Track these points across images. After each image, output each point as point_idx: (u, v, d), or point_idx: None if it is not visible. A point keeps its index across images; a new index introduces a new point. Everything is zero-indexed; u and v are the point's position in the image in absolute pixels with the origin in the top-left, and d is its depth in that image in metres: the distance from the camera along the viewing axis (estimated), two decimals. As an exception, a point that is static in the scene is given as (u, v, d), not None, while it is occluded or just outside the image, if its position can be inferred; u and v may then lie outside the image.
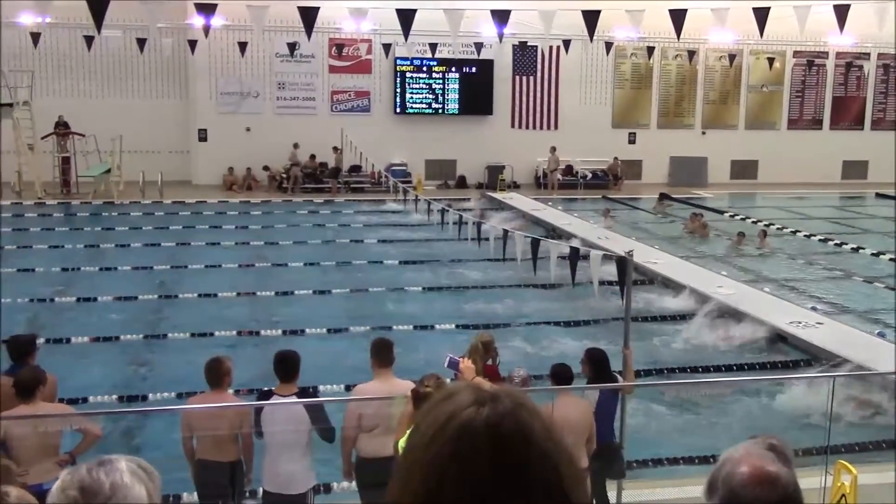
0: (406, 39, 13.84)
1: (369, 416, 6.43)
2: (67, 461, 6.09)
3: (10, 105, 24.98)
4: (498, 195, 26.89)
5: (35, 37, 23.07)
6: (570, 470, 1.16)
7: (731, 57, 30.37)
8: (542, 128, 30.59)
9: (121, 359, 11.63)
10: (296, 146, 27.68)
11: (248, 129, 28.45)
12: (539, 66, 30.20)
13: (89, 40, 22.47)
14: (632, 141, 31.44)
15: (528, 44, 27.98)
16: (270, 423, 6.06)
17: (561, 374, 6.79)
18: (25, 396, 5.88)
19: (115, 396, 9.94)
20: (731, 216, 24.14)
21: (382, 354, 6.63)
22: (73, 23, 22.18)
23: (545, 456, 1.13)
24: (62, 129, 26.29)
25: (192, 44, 24.67)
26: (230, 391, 6.61)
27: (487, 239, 15.90)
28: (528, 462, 1.11)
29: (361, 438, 6.42)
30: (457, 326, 12.86)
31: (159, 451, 8.26)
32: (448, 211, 18.73)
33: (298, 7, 12.60)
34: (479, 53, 26.91)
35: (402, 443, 4.99)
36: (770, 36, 22.59)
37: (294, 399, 6.16)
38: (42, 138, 26.06)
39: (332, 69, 29.18)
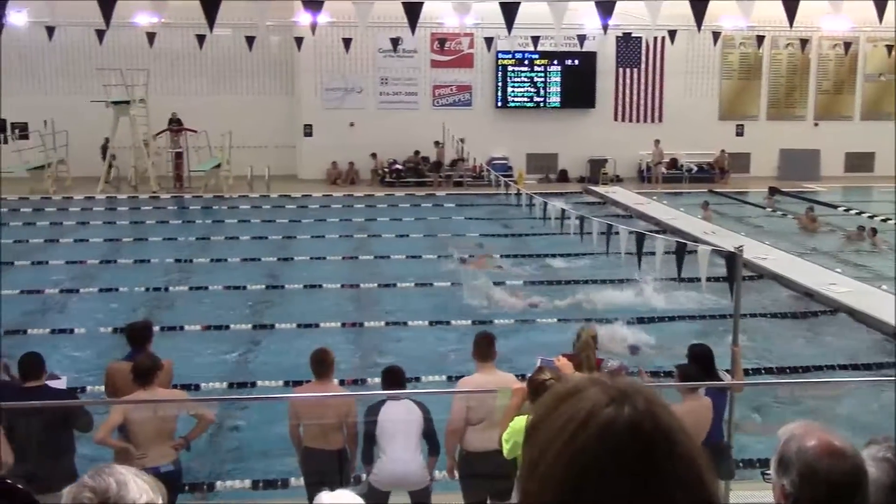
0: (509, 33, 13.72)
1: (476, 409, 6.43)
2: (182, 445, 6.31)
3: (127, 103, 26.06)
4: (600, 189, 26.57)
5: (150, 36, 23.93)
6: (707, 466, 1.13)
7: (847, 45, 29.11)
8: (645, 120, 30.06)
9: (230, 347, 11.97)
10: (374, 156, 28.03)
11: (351, 124, 28.89)
12: (643, 58, 29.67)
13: (201, 39, 23.18)
14: (739, 133, 30.58)
15: (633, 35, 27.51)
16: (387, 422, 6.11)
17: (699, 356, 6.70)
18: (143, 382, 6.11)
19: (225, 383, 10.26)
20: (846, 210, 23.20)
21: (485, 349, 6.62)
22: (185, 22, 22.88)
23: (685, 453, 1.10)
24: (175, 125, 27.29)
25: (299, 41, 25.15)
26: (335, 381, 6.73)
27: (590, 233, 15.69)
28: (670, 460, 1.09)
29: (469, 432, 6.42)
30: (558, 321, 12.75)
31: (263, 438, 8.54)
32: (549, 205, 18.58)
33: (403, 3, 12.71)
34: (581, 46, 26.59)
35: (505, 436, 4.96)
36: (889, 23, 21.58)
37: (404, 398, 6.21)
38: (156, 135, 27.15)
39: (434, 64, 29.35)
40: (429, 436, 6.34)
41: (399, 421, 6.10)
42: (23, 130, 27.14)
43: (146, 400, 6.02)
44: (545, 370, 4.82)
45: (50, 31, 22.35)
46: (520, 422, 4.71)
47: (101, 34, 21.45)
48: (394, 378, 6.52)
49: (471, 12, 22.07)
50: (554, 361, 5.73)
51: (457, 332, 12.10)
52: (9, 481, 1.37)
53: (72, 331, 12.41)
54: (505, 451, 4.96)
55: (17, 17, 21.65)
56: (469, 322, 12.72)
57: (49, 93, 27.44)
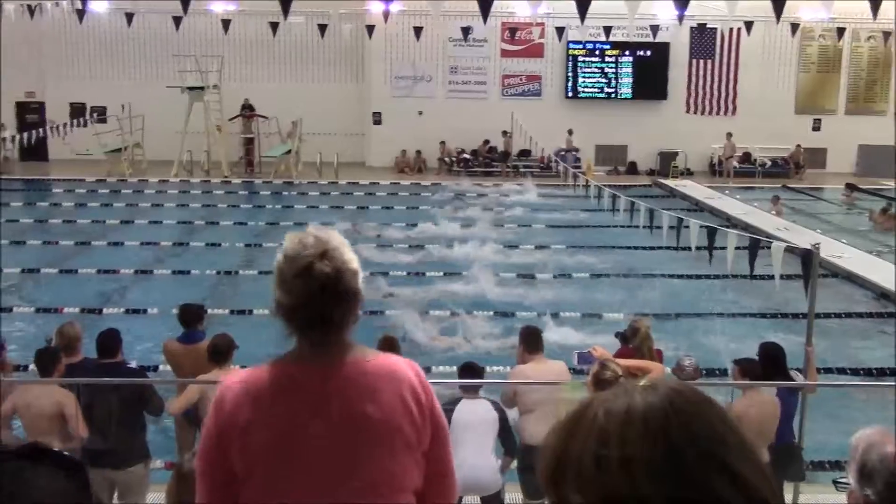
0: (582, 23, 13.58)
1: (526, 396, 6.41)
2: None
3: (202, 88, 26.54)
4: (670, 182, 26.18)
5: (225, 24, 24.33)
6: (758, 467, 1.11)
7: (933, 38, 28.14)
8: (718, 113, 29.52)
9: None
10: (442, 144, 28.23)
11: (420, 113, 28.96)
12: (718, 49, 29.10)
13: (274, 26, 23.49)
14: (816, 128, 29.82)
15: (708, 26, 26.99)
16: (462, 422, 6.07)
17: (770, 355, 6.58)
18: (219, 361, 6.24)
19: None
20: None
21: (533, 343, 6.61)
22: (260, 10, 23.21)
23: (733, 455, 1.08)
24: (247, 111, 27.72)
25: (370, 29, 25.31)
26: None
27: (660, 226, 15.49)
28: (715, 459, 1.07)
29: (527, 423, 6.38)
30: (625, 315, 12.59)
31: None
32: (619, 197, 18.38)
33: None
34: (654, 36, 26.19)
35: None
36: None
37: (480, 397, 6.18)
38: (229, 120, 27.61)
39: (504, 53, 29.25)
40: (505, 436, 6.28)
41: (475, 422, 6.04)
42: (101, 114, 27.85)
43: (218, 381, 6.13)
44: (609, 366, 4.75)
45: (129, 17, 22.92)
46: None
47: (177, 21, 21.90)
48: (472, 375, 6.45)
49: (543, 2, 21.94)
50: (591, 353, 5.67)
51: (521, 324, 12.03)
52: (64, 452, 1.42)
53: (145, 311, 12.69)
54: None
55: (98, 4, 22.22)
56: (534, 313, 12.69)
57: (127, 78, 28.11)
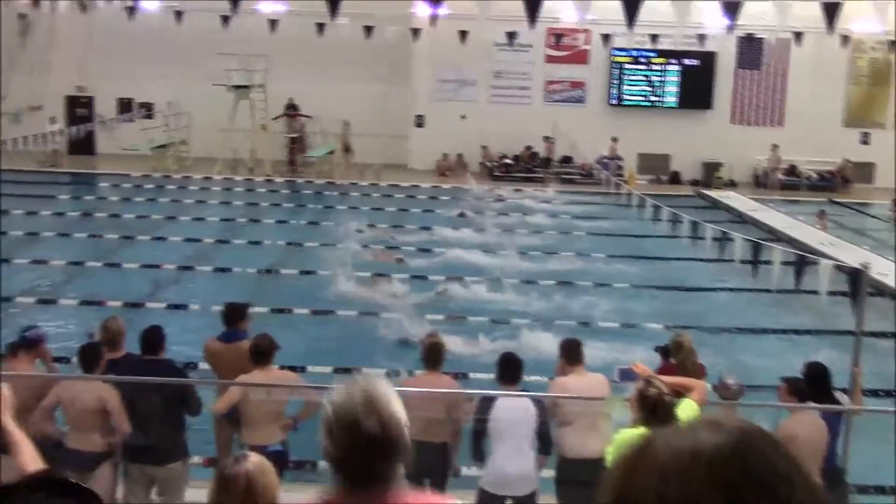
0: (630, 29, 13.49)
1: (565, 405, 6.35)
2: (291, 426, 6.44)
3: (247, 87, 26.81)
4: (713, 193, 25.89)
5: (272, 23, 24.52)
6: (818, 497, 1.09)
7: None
8: (764, 124, 29.13)
9: (337, 331, 12.13)
10: (484, 149, 28.18)
11: (462, 117, 28.95)
12: (766, 60, 28.73)
13: (320, 27, 23.63)
14: (864, 141, 29.30)
15: (756, 36, 26.68)
16: (500, 420, 6.05)
17: (815, 375, 6.46)
18: (261, 362, 6.28)
19: (330, 368, 10.43)
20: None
21: (573, 355, 6.54)
22: (307, 10, 23.35)
23: (797, 495, 1.07)
24: (292, 111, 27.92)
25: (415, 32, 25.36)
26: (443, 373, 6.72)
27: (703, 238, 15.36)
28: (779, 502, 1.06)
29: (565, 434, 6.33)
30: (666, 327, 12.46)
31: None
32: (661, 207, 18.25)
33: (524, -3, 12.70)
34: (701, 45, 25.93)
35: (611, 449, 4.84)
36: None
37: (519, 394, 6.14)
38: (273, 119, 27.83)
39: (549, 59, 29.14)
40: (542, 434, 6.23)
41: (513, 419, 6.01)
42: (148, 110, 28.22)
43: (261, 383, 6.17)
44: (654, 383, 4.67)
45: (178, 15, 23.21)
46: (626, 435, 4.60)
47: (225, 20, 22.14)
48: (511, 367, 6.39)
49: (590, 7, 21.84)
50: (632, 369, 5.60)
51: (560, 333, 11.95)
52: (73, 481, 1.42)
53: (186, 307, 12.82)
54: (609, 464, 4.85)
55: (149, 2, 22.51)
56: (574, 322, 12.63)
57: (174, 75, 28.41)
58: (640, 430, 4.47)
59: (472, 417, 6.20)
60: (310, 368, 10.07)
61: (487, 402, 6.20)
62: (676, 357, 6.75)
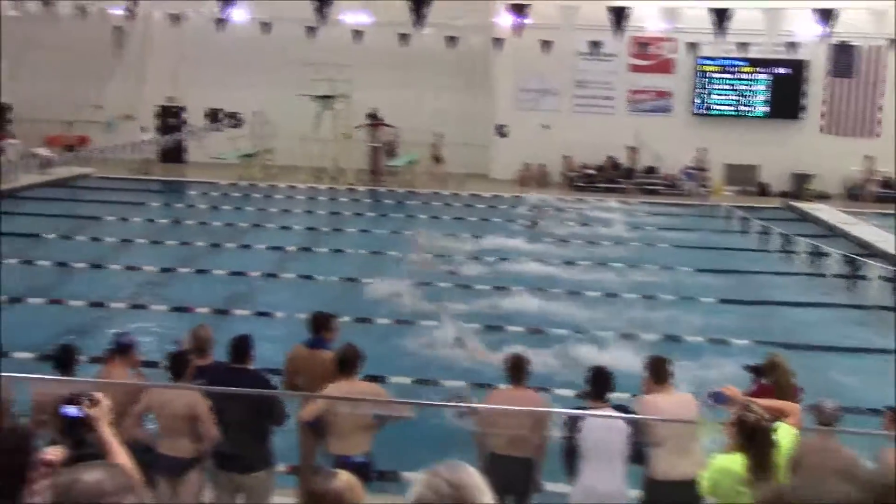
0: (723, 36, 13.23)
1: (654, 426, 6.16)
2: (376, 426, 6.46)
3: (331, 97, 27.20)
4: (803, 205, 25.15)
5: (357, 34, 24.84)
6: None
7: None
8: (857, 134, 28.17)
9: (421, 342, 12.11)
10: (566, 159, 28.05)
11: (545, 127, 28.81)
12: (860, 68, 27.80)
13: (403, 37, 23.83)
14: (964, 152, 28.07)
15: (850, 43, 25.86)
16: (591, 438, 5.92)
17: None
18: (347, 372, 6.31)
19: (413, 379, 10.43)
20: None
21: (661, 374, 6.33)
22: (391, 21, 23.58)
23: None
24: (374, 120, 28.21)
25: (498, 42, 25.35)
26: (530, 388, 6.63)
27: (793, 251, 14.92)
28: None
29: (655, 457, 6.15)
30: (756, 343, 12.10)
31: (449, 434, 8.61)
32: (749, 219, 17.80)
33: (609, 7, 12.52)
34: (791, 54, 25.27)
35: (706, 473, 4.69)
36: None
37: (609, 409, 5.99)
38: (355, 128, 28.16)
39: (633, 68, 28.80)
40: (636, 448, 6.06)
41: (604, 437, 5.87)
42: (236, 120, 28.84)
43: (347, 397, 6.19)
44: (753, 409, 4.49)
45: (265, 26, 23.68)
46: (723, 461, 4.44)
47: (311, 31, 22.50)
48: (601, 382, 6.24)
49: (677, 13, 21.51)
50: (724, 392, 5.39)
51: (643, 348, 11.74)
52: None
53: (271, 314, 13.00)
54: (703, 488, 4.71)
55: (238, 13, 23.01)
56: (658, 336, 12.39)
57: (261, 85, 29.00)
58: (737, 456, 4.33)
59: (564, 434, 6.08)
60: (393, 379, 10.08)
61: (576, 418, 6.06)
62: (770, 377, 6.51)
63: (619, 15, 12.16)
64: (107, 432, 3.38)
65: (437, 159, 27.51)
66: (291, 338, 11.39)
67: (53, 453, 3.05)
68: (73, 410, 3.37)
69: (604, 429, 5.93)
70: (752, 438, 4.28)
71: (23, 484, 2.83)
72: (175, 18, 24.26)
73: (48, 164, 22.15)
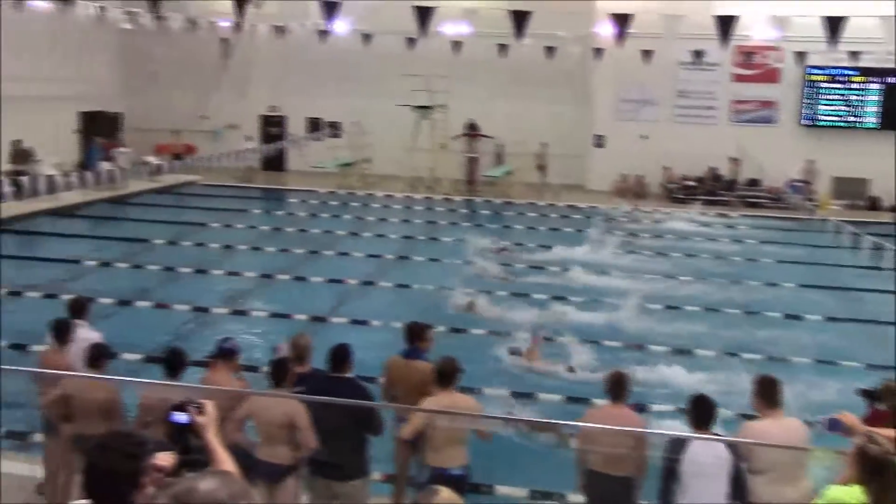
0: (835, 46, 12.76)
1: (759, 452, 5.90)
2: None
3: (430, 108, 27.39)
4: (914, 221, 24.03)
5: (456, 45, 24.95)
6: None
7: None
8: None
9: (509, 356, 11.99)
10: (665, 170, 27.61)
11: (643, 137, 28.38)
12: (981, 77, 26.47)
13: (502, 48, 23.81)
14: None
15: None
16: (694, 462, 5.72)
17: None
18: (445, 384, 6.29)
19: (508, 390, 10.34)
20: None
21: (771, 396, 6.04)
22: (490, 32, 23.61)
23: None
24: (471, 130, 28.28)
25: (598, 52, 25.08)
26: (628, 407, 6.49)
27: (907, 270, 14.23)
28: None
29: (757, 484, 5.89)
30: (867, 366, 11.56)
31: (544, 450, 8.51)
32: (860, 235, 17.09)
33: (715, 16, 12.20)
34: (907, 62, 24.26)
35: (820, 501, 4.46)
36: None
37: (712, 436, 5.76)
38: (452, 139, 28.29)
39: (736, 77, 28.10)
40: (736, 481, 5.79)
41: (706, 464, 5.66)
42: (336, 129, 29.34)
43: (445, 410, 6.18)
44: (878, 440, 4.20)
45: (367, 38, 24.02)
46: (840, 493, 4.20)
47: (411, 42, 22.71)
48: (704, 410, 5.98)
49: (781, 25, 20.89)
50: (840, 419, 5.10)
51: (746, 367, 11.36)
52: None
53: (367, 322, 13.09)
54: None
55: (339, 25, 23.41)
56: (761, 356, 11.99)
57: (360, 95, 29.47)
58: (855, 489, 4.10)
59: (664, 457, 5.89)
60: (486, 390, 10.02)
61: (681, 441, 5.85)
62: (887, 402, 6.18)
63: (725, 24, 11.84)
64: (213, 439, 3.43)
65: (541, 168, 27.31)
66: (387, 346, 11.49)
67: (165, 459, 3.10)
68: (181, 417, 3.44)
69: (706, 456, 5.70)
70: (875, 472, 4.04)
71: (136, 489, 2.88)
72: (280, 31, 24.82)
73: (157, 171, 22.95)
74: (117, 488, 2.85)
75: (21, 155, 23.61)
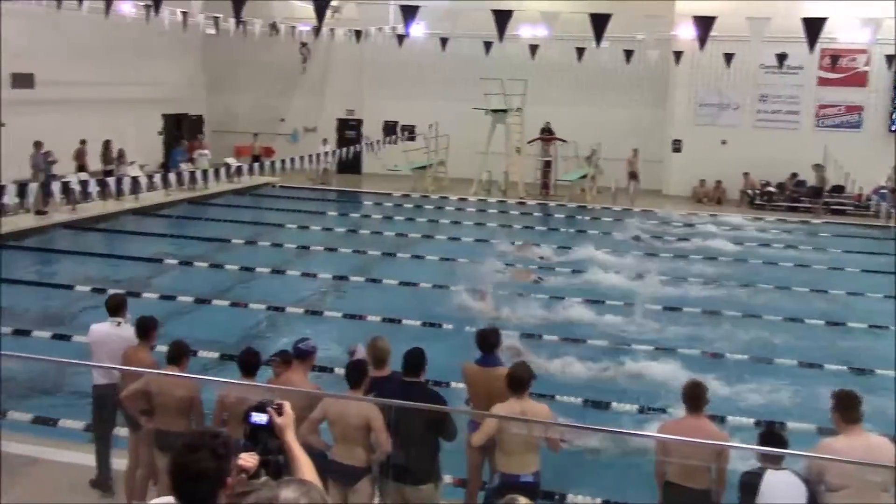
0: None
1: (835, 469, 5.65)
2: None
3: (505, 111, 27.32)
4: None
5: (533, 49, 24.82)
6: None
7: None
8: None
9: (585, 364, 11.85)
10: (746, 176, 27.13)
11: (723, 142, 27.84)
12: None
13: (580, 51, 23.62)
14: None
15: None
16: (769, 497, 5.45)
17: None
18: (518, 391, 6.24)
19: (580, 399, 10.21)
20: None
21: (850, 411, 5.74)
22: (568, 35, 23.44)
23: None
24: (547, 134, 28.10)
25: (677, 55, 24.68)
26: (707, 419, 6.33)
27: None
28: None
29: (830, 499, 5.66)
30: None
31: (620, 462, 8.38)
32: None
33: (803, 18, 11.87)
34: None
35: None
36: None
37: (786, 469, 5.51)
38: (528, 142, 28.15)
39: (821, 81, 27.34)
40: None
41: (783, 497, 5.40)
42: (411, 132, 29.51)
43: (516, 416, 6.12)
44: None
45: (444, 42, 24.08)
46: None
47: (487, 46, 22.69)
48: (775, 443, 5.67)
49: (871, 26, 20.24)
50: None
51: (829, 379, 11.00)
52: None
53: (440, 325, 13.08)
54: None
55: (417, 29, 23.51)
56: (845, 367, 11.63)
57: (436, 98, 29.57)
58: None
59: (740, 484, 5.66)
60: (559, 398, 9.92)
61: (755, 474, 5.57)
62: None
63: (813, 26, 11.52)
64: (292, 440, 3.45)
65: (633, 176, 26.86)
66: (458, 350, 11.49)
67: (248, 459, 3.14)
68: (260, 418, 3.46)
69: (780, 484, 5.46)
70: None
71: (221, 488, 2.92)
72: (358, 34, 25.08)
73: (237, 172, 23.43)
74: (204, 487, 2.89)
75: (113, 156, 24.38)
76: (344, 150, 26.22)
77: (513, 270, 17.09)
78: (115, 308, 7.77)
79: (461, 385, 7.75)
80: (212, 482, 2.89)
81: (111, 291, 14.18)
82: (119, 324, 7.67)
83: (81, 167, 23.31)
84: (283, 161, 22.14)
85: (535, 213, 25.13)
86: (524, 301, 14.60)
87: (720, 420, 9.17)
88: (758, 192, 27.01)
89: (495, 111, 27.37)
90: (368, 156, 30.48)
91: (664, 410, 9.53)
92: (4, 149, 21.28)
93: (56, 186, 17.77)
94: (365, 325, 12.70)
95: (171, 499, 2.97)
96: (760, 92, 27.79)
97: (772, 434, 5.92)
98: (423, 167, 28.47)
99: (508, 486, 6.12)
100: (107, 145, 24.29)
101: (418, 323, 13.20)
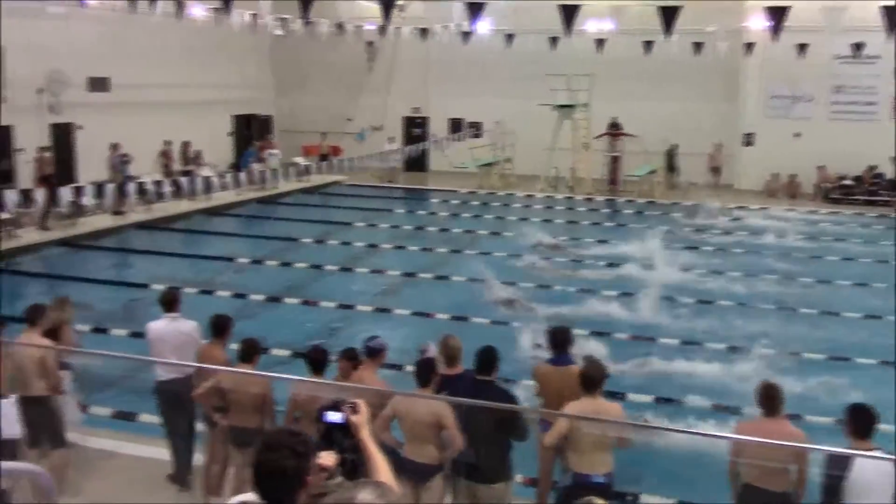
0: None
1: None
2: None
3: (572, 107, 27.10)
4: None
5: (599, 43, 24.56)
6: None
7: None
8: None
9: (658, 363, 11.67)
10: (820, 169, 26.39)
11: (796, 135, 27.16)
12: None
13: (647, 45, 23.29)
14: None
15: None
16: (859, 484, 5.33)
17: None
18: (590, 390, 6.18)
19: (651, 397, 10.09)
20: None
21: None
22: (636, 28, 23.13)
23: None
24: (614, 129, 27.79)
25: (748, 47, 24.16)
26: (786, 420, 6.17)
27: None
28: None
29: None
30: None
31: (692, 462, 8.23)
32: None
33: (882, 6, 11.47)
34: None
35: None
36: None
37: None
38: (595, 138, 27.88)
39: (900, 71, 26.43)
40: None
41: (872, 482, 5.30)
42: (477, 129, 29.47)
43: (588, 416, 6.06)
44: None
45: (509, 38, 24.00)
46: None
47: (553, 41, 22.51)
48: (865, 418, 5.58)
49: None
50: None
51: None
52: None
53: (508, 323, 13.03)
54: None
55: (482, 26, 23.46)
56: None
57: (502, 95, 29.48)
58: None
59: (825, 472, 5.55)
60: (630, 396, 9.81)
61: (846, 458, 5.47)
62: None
63: (892, 14, 11.14)
64: (367, 438, 3.47)
65: (715, 171, 26.37)
66: (528, 348, 11.44)
67: (328, 458, 3.17)
68: (335, 417, 3.49)
69: (872, 472, 5.34)
70: None
71: (302, 487, 2.96)
72: (423, 33, 25.14)
73: (305, 172, 23.72)
74: (284, 485, 2.94)
75: (190, 156, 24.93)
76: (410, 147, 26.35)
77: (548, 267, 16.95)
78: (170, 303, 7.89)
79: (529, 383, 7.71)
80: (291, 481, 2.93)
81: (188, 291, 14.58)
82: (175, 318, 7.80)
83: (167, 166, 23.95)
84: (350, 160, 22.33)
85: (604, 210, 24.85)
86: (592, 297, 14.48)
87: (796, 419, 8.96)
88: (833, 185, 26.29)
89: (561, 107, 27.17)
90: (435, 153, 30.57)
91: (737, 411, 9.34)
92: (82, 151, 21.90)
93: (132, 187, 18.22)
94: (433, 323, 12.74)
95: (251, 496, 3.01)
96: (835, 83, 27.03)
97: (861, 410, 5.68)
98: (490, 164, 28.43)
99: (580, 485, 6.07)
100: (185, 146, 24.82)
101: (486, 321, 13.17)
